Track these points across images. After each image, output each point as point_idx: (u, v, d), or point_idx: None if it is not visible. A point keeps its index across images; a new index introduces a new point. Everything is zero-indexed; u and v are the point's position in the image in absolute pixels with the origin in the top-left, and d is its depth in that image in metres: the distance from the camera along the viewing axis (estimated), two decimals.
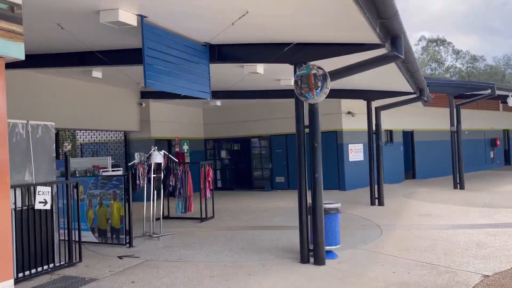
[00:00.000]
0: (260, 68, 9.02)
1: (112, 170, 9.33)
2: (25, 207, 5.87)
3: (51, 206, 6.22)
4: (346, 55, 6.36)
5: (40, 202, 6.02)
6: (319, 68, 6.18)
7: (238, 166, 18.41)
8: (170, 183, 8.84)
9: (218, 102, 16.06)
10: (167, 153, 8.97)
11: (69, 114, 12.21)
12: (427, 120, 19.61)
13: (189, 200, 10.27)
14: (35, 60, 8.22)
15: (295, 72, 6.48)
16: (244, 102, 16.67)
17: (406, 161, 19.09)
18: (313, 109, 6.36)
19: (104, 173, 8.98)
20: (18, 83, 10.60)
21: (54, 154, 6.60)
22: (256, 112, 17.17)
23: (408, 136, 19.43)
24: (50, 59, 8.14)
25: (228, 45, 6.98)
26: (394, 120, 17.39)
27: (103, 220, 7.89)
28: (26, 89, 10.80)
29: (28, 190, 5.93)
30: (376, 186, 12.09)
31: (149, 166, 8.71)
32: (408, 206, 11.89)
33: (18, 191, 5.80)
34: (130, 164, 8.76)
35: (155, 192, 8.87)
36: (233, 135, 17.72)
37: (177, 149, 16.34)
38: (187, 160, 16.56)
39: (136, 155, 8.87)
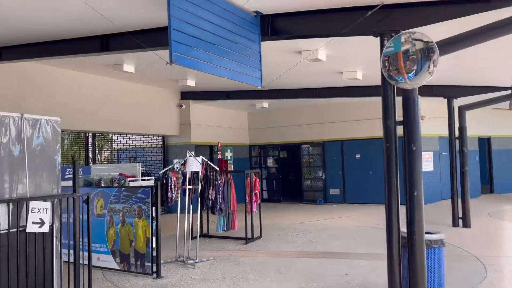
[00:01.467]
0: (322, 53, 7.20)
1: (142, 179, 7.85)
2: (14, 229, 4.38)
3: (51, 227, 4.69)
4: (458, 17, 4.41)
5: (34, 223, 4.50)
6: (418, 39, 4.29)
7: (287, 175, 16.55)
8: (209, 196, 7.18)
9: (266, 104, 14.37)
10: (206, 160, 7.33)
11: (104, 116, 10.98)
12: (508, 125, 16.84)
13: (232, 216, 8.57)
14: (55, 47, 6.90)
15: (381, 46, 4.61)
16: (294, 104, 14.86)
17: (482, 172, 16.42)
18: (409, 96, 4.45)
19: (131, 183, 7.51)
20: (44, 80, 9.47)
21: (59, 159, 5.11)
22: (308, 115, 15.30)
23: (485, 143, 16.75)
24: (72, 45, 6.79)
25: (286, 15, 5.22)
26: (468, 125, 14.84)
27: (125, 242, 6.34)
28: (56, 87, 9.65)
29: (17, 207, 4.44)
30: (458, 203, 9.84)
31: (184, 175, 7.11)
32: (502, 229, 9.52)
33: (4, 208, 4.31)
34: (161, 172, 7.20)
35: (191, 206, 7.24)
36: (281, 140, 15.93)
37: (219, 156, 14.78)
38: (230, 168, 14.95)
39: (175, 162, 7.32)
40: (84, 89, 10.44)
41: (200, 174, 7.22)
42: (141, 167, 13.20)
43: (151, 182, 8.07)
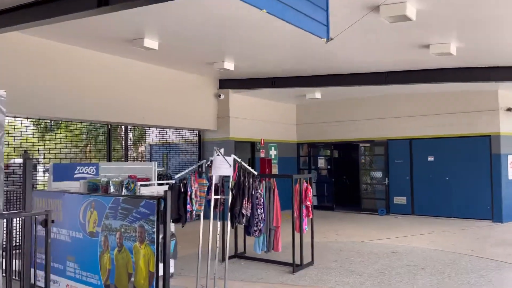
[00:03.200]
0: (411, 9, 4.95)
1: (159, 183, 6.00)
2: None
3: None
4: None
5: None
6: None
7: (341, 179, 14.25)
8: (243, 211, 5.18)
9: (318, 94, 12.17)
10: (239, 160, 5.33)
11: (133, 105, 9.36)
12: None
13: (274, 233, 6.55)
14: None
15: None
16: (352, 94, 12.55)
17: None
18: None
19: (143, 190, 5.67)
20: (60, 59, 7.93)
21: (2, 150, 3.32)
22: (368, 107, 12.91)
23: None
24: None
25: None
26: None
27: (123, 275, 4.48)
28: (78, 68, 8.10)
29: None
30: None
31: (210, 180, 5.16)
32: None
33: None
34: (177, 177, 5.30)
35: (219, 220, 5.28)
36: (335, 138, 13.63)
37: (262, 155, 12.79)
38: (274, 169, 12.91)
39: (200, 163, 5.43)
40: (109, 73, 8.84)
41: (230, 179, 5.24)
42: (172, 165, 11.59)
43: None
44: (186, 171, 5.19)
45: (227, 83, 11.61)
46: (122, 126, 10.32)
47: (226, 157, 4.95)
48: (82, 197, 4.93)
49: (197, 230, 5.32)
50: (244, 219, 5.18)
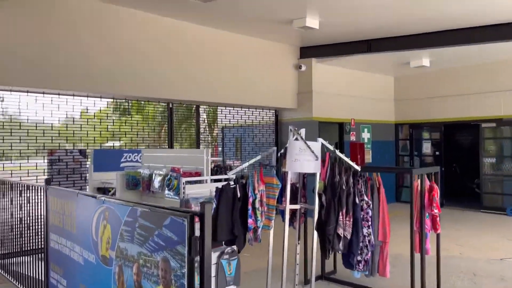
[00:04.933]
0: None
1: (215, 180, 4.25)
2: None
3: None
4: None
5: None
6: None
7: (453, 168, 11.43)
8: (339, 231, 3.18)
9: (426, 61, 9.55)
10: (331, 147, 3.31)
11: (198, 79, 7.82)
12: None
13: (380, 251, 4.45)
14: None
15: None
16: (471, 60, 9.69)
17: None
18: None
19: (189, 188, 3.94)
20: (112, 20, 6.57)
21: None
22: (494, 76, 9.93)
23: None
24: None
25: None
26: None
27: None
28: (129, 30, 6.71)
29: None
30: None
31: (284, 179, 3.23)
32: None
33: None
34: (231, 173, 3.45)
35: (298, 241, 3.35)
36: (446, 117, 10.85)
37: (352, 138, 10.56)
38: (368, 155, 10.60)
39: (268, 152, 3.57)
40: (166, 42, 7.33)
41: (317, 178, 3.25)
42: (244, 151, 9.91)
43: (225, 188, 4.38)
44: (246, 164, 3.34)
45: (310, 51, 9.51)
46: (194, 106, 8.86)
47: (309, 143, 2.97)
48: (95, 203, 3.33)
49: (265, 233, 3.47)
50: (341, 244, 3.19)
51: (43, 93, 6.57)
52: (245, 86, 8.77)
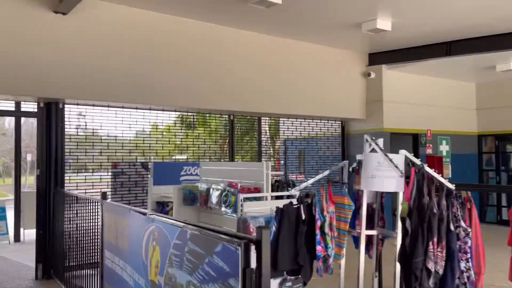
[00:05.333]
0: None
1: (276, 196, 3.82)
2: None
3: None
4: None
5: None
6: None
7: None
8: (429, 264, 2.57)
9: None
10: (417, 162, 2.74)
11: (260, 91, 7.55)
12: None
13: (473, 286, 3.69)
14: None
15: None
16: None
17: None
18: None
19: (247, 206, 3.54)
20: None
21: None
22: None
23: None
24: None
25: None
26: None
27: None
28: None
29: None
30: None
31: (357, 198, 2.71)
32: None
33: None
34: (293, 191, 2.98)
35: (376, 275, 2.80)
36: None
37: (429, 151, 9.60)
38: (447, 171, 9.58)
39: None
40: (225, 51, 7.15)
41: (400, 198, 2.68)
42: (307, 164, 9.39)
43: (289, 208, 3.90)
44: (311, 180, 2.88)
45: (379, 57, 8.84)
46: (255, 118, 8.57)
47: (389, 155, 2.45)
48: (145, 220, 3.05)
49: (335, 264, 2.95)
50: (431, 282, 2.59)
51: (122, 107, 6.65)
52: (310, 96, 8.31)
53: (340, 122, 9.60)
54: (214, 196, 4.35)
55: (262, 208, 3.58)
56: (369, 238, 2.88)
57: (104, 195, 3.99)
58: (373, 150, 2.68)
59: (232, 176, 4.26)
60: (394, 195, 2.81)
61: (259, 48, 7.62)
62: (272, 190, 3.81)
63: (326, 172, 2.96)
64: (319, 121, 9.24)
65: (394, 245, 2.81)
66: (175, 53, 6.76)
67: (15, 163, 10.38)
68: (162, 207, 5.44)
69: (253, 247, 1.98)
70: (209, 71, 7.07)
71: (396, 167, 2.53)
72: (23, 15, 5.54)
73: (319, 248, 2.65)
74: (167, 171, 5.82)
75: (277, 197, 3.78)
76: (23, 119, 14.90)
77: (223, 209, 3.85)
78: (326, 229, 2.65)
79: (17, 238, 9.57)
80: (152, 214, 2.99)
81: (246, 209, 3.53)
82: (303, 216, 2.63)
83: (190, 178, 5.81)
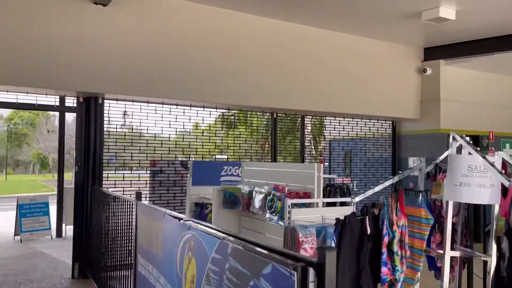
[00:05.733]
0: None
1: (327, 205, 3.33)
2: None
3: None
4: None
5: None
6: None
7: None
8: None
9: None
10: None
11: (308, 87, 7.09)
12: None
13: None
14: None
15: None
16: None
17: None
18: None
19: (296, 213, 3.09)
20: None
21: None
22: None
23: None
24: None
25: None
26: None
27: None
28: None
29: None
30: None
31: (438, 210, 2.19)
32: None
33: None
34: (356, 200, 2.49)
35: None
36: None
37: (490, 155, 8.68)
38: None
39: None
40: (269, 44, 6.74)
41: (495, 212, 2.14)
42: (355, 167, 8.78)
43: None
44: (379, 187, 2.38)
45: (437, 52, 8.10)
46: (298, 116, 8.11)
47: (488, 156, 1.92)
48: (180, 227, 2.67)
49: None
50: None
51: (162, 103, 6.41)
52: (358, 93, 7.73)
53: (390, 122, 8.92)
54: (257, 200, 3.93)
55: (312, 217, 3.12)
56: (453, 261, 2.35)
57: (138, 196, 3.68)
58: (462, 150, 2.15)
59: (277, 178, 3.82)
60: (484, 207, 2.27)
61: (304, 41, 7.15)
62: (323, 196, 3.33)
63: (397, 177, 2.46)
64: (368, 120, 8.61)
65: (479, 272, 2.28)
66: (217, 49, 6.42)
67: (58, 159, 10.48)
68: (201, 209, 5.09)
69: (312, 272, 1.54)
70: (251, 66, 6.69)
71: (500, 173, 1.99)
72: (63, 6, 5.38)
73: (384, 270, 2.16)
74: (206, 171, 5.48)
75: (329, 204, 3.30)
76: (71, 116, 15.18)
77: (267, 215, 3.42)
78: (395, 247, 2.16)
79: (59, 233, 9.64)
80: (188, 220, 2.61)
81: (295, 217, 3.08)
82: (369, 230, 2.15)
83: (230, 178, 5.44)
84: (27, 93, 5.64)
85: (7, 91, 5.52)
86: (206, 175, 5.38)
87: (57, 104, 5.97)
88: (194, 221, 2.58)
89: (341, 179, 8.48)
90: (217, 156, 7.36)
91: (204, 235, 2.30)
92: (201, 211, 5.07)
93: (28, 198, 9.84)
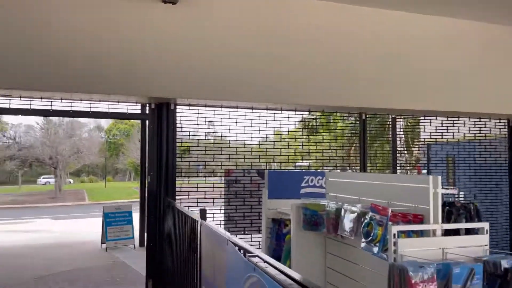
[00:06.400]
0: None
1: (445, 232, 2.42)
2: None
3: None
4: None
5: None
6: None
7: None
8: None
9: None
10: None
11: (401, 83, 6.11)
12: None
13: None
14: None
15: None
16: None
17: None
18: None
19: (399, 247, 2.25)
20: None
21: None
22: None
23: None
24: None
25: None
26: None
27: None
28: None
29: None
30: None
31: None
32: None
33: None
34: None
35: None
36: None
37: None
38: None
39: None
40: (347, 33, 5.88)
41: None
42: (461, 176, 7.30)
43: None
44: None
45: None
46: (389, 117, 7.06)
47: None
48: (244, 264, 1.98)
49: None
50: None
51: (237, 107, 5.90)
52: (465, 87, 6.47)
53: (506, 121, 7.41)
54: (347, 221, 3.11)
55: (429, 252, 2.23)
56: None
57: (203, 214, 3.08)
58: None
59: (371, 193, 2.97)
60: None
61: (398, 27, 6.13)
62: (442, 220, 2.41)
63: None
64: (478, 119, 7.22)
65: None
66: (296, 45, 5.72)
67: (140, 167, 10.58)
68: (278, 226, 4.37)
69: None
70: (335, 60, 5.87)
71: None
72: (131, 5, 5.09)
73: None
74: (284, 181, 4.75)
75: (454, 232, 2.38)
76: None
77: (363, 244, 2.59)
78: None
79: (141, 242, 9.64)
80: (255, 256, 1.91)
81: (403, 250, 2.21)
82: None
83: (313, 190, 4.64)
84: (99, 101, 5.45)
85: (80, 100, 5.38)
86: (283, 187, 4.65)
87: (129, 112, 5.72)
88: (262, 258, 1.86)
89: (458, 194, 7.21)
90: (297, 164, 6.62)
91: (272, 283, 1.57)
92: (278, 230, 4.35)
93: (113, 207, 10.02)
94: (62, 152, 28.72)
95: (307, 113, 6.53)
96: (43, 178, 39.27)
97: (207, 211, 3.17)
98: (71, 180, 40.85)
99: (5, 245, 10.10)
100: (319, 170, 6.16)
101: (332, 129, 7.17)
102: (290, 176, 4.82)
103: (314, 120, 7.10)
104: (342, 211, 3.14)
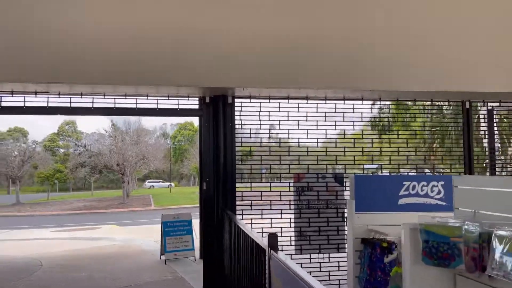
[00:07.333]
0: None
1: None
2: None
3: None
4: None
5: None
6: None
7: None
8: None
9: None
10: None
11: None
12: None
13: None
14: None
15: None
16: None
17: None
18: None
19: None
20: None
21: None
22: None
23: None
24: None
25: None
26: None
27: None
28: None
29: None
30: None
31: None
32: None
33: None
34: None
35: None
36: None
37: None
38: None
39: None
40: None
41: None
42: None
43: None
44: None
45: None
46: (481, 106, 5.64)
47: None
48: None
49: None
50: None
51: (307, 98, 4.88)
52: None
53: None
54: (498, 253, 1.94)
55: None
56: None
57: (273, 241, 2.07)
58: None
59: None
60: None
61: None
62: None
63: None
64: None
65: None
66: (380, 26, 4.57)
67: (199, 171, 9.88)
68: (372, 249, 3.25)
69: None
70: (428, 36, 4.62)
71: None
72: None
73: None
74: (373, 189, 3.62)
75: None
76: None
77: None
78: None
79: (202, 254, 8.89)
80: None
81: None
82: None
83: (416, 201, 3.48)
84: (146, 96, 4.69)
85: (125, 95, 4.65)
86: (375, 196, 3.53)
87: (180, 107, 4.90)
88: None
89: None
90: (365, 166, 5.42)
91: None
92: (372, 254, 3.23)
93: (171, 215, 9.38)
94: (129, 159, 29.42)
95: (389, 103, 5.31)
96: (148, 182, 41.64)
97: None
98: (173, 184, 42.33)
99: (66, 254, 9.89)
100: (429, 174, 4.93)
101: (410, 123, 5.87)
102: (381, 182, 3.67)
103: (392, 113, 5.84)
104: (492, 238, 1.98)
